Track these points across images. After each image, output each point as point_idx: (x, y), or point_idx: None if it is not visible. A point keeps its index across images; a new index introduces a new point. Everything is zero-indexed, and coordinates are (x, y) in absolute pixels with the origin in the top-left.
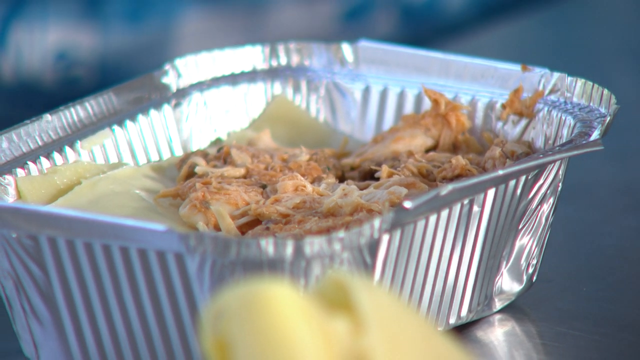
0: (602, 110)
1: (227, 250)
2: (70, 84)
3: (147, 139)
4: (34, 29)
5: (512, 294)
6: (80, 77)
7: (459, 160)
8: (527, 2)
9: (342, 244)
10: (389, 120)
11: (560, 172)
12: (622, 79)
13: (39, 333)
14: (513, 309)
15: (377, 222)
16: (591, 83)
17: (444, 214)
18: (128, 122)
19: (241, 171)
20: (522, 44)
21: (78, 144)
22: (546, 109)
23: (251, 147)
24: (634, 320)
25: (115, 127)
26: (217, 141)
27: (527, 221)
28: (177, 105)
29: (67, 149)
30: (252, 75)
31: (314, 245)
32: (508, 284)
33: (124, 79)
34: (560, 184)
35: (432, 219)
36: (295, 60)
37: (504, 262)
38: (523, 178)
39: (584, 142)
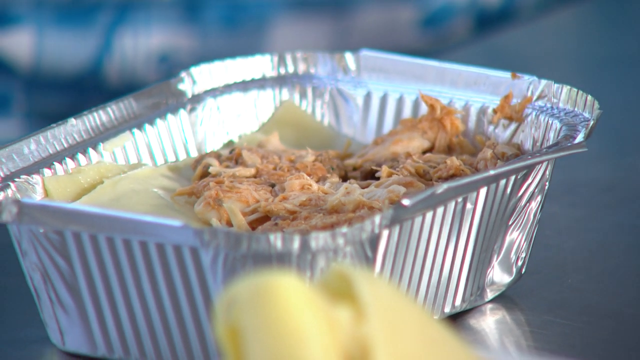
0: (586, 114)
1: (238, 244)
2: None
3: (165, 142)
4: (139, 34)
5: (503, 285)
6: None
7: (454, 161)
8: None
9: (345, 238)
10: (388, 124)
11: (547, 172)
12: (605, 86)
13: (64, 321)
14: (503, 299)
15: (377, 219)
16: (576, 90)
17: (440, 211)
18: (147, 126)
19: (251, 171)
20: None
21: (100, 146)
22: (534, 113)
23: (261, 148)
24: (614, 309)
25: (135, 131)
26: (230, 143)
27: (517, 218)
28: (192, 110)
29: (91, 150)
30: (261, 82)
31: (319, 239)
32: (499, 276)
33: None
34: (547, 183)
35: (429, 215)
36: (301, 68)
37: (495, 256)
38: (513, 178)
39: (569, 144)
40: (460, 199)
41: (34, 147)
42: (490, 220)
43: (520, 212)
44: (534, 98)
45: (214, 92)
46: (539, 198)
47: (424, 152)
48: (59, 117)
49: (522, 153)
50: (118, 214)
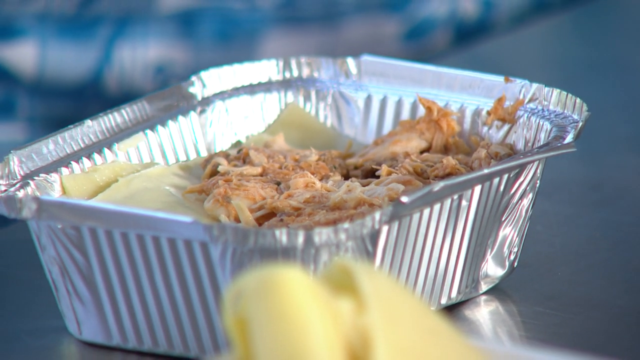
0: (575, 116)
1: (246, 239)
2: None
3: (176, 142)
4: (136, 47)
5: (496, 277)
6: None
7: (450, 161)
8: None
9: (347, 234)
10: (388, 125)
11: (539, 171)
12: (593, 89)
13: (81, 312)
14: (497, 291)
15: (377, 215)
16: (565, 93)
17: (436, 207)
18: (159, 127)
19: (258, 170)
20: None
21: (115, 146)
22: (526, 115)
23: (267, 148)
24: (602, 300)
25: (148, 131)
26: (237, 144)
27: (509, 214)
28: (202, 112)
29: (106, 150)
30: (267, 86)
31: (322, 235)
32: (492, 269)
33: None
34: (538, 181)
35: (426, 212)
36: (305, 72)
37: (489, 250)
38: (506, 176)
39: (559, 144)
40: (455, 197)
41: (52, 147)
42: (484, 216)
43: (513, 209)
44: (526, 101)
45: (222, 95)
46: (530, 195)
47: (422, 152)
48: (61, 122)
49: (514, 153)
50: (132, 210)
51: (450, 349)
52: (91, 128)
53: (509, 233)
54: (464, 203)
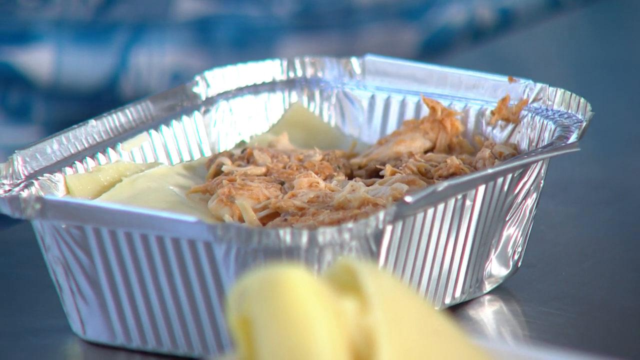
0: (579, 116)
1: (250, 239)
2: None
3: (180, 142)
4: (153, 53)
5: (500, 277)
6: None
7: (454, 160)
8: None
9: (351, 233)
10: (392, 125)
11: (542, 171)
12: (597, 89)
13: (85, 311)
14: (501, 291)
15: (381, 215)
16: (569, 93)
17: (440, 207)
18: (163, 127)
19: (262, 170)
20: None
21: (119, 146)
22: (530, 115)
23: (271, 148)
24: (606, 300)
25: (152, 131)
26: (241, 143)
27: (513, 214)
28: (206, 112)
29: (110, 150)
30: (272, 86)
31: (326, 234)
32: (496, 269)
33: None
34: (542, 181)
35: (430, 212)
36: (309, 72)
37: (493, 250)
38: (510, 176)
39: (563, 144)
40: (459, 196)
41: (56, 147)
42: (488, 216)
43: (517, 209)
44: (530, 100)
45: (226, 95)
46: (534, 195)
47: (426, 152)
48: None
49: (518, 153)
50: (136, 210)
51: (454, 349)
52: (95, 128)
53: (513, 233)
54: (468, 203)
